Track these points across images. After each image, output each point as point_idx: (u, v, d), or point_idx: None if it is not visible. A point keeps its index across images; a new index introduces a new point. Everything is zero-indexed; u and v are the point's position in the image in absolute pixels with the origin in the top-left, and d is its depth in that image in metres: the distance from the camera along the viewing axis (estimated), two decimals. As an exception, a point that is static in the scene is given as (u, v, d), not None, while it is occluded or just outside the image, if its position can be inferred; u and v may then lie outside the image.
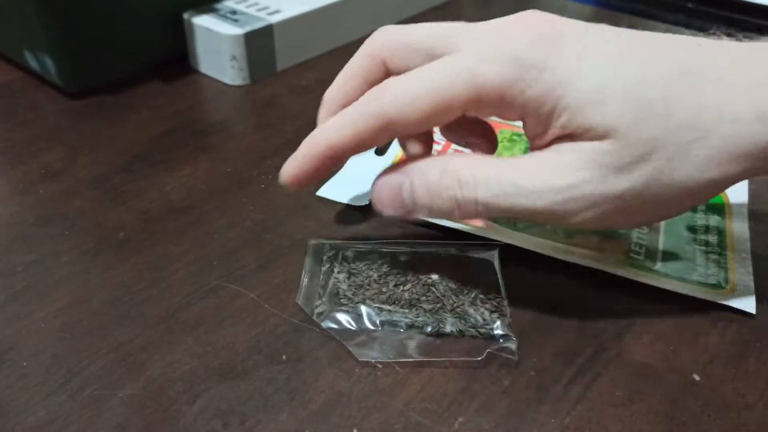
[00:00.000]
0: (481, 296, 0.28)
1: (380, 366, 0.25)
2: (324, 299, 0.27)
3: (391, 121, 0.25)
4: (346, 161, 0.27)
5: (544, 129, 0.25)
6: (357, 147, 0.26)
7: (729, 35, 0.26)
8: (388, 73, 0.27)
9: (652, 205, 0.24)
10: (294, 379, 0.25)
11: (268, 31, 0.44)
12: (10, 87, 0.44)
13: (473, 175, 0.25)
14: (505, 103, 0.24)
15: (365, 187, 0.34)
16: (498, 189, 0.24)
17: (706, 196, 0.25)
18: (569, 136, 0.24)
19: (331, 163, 0.26)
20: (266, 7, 0.46)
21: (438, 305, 0.27)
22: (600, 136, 0.23)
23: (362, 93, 0.26)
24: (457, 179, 0.25)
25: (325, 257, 0.30)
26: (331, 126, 0.26)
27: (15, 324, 0.27)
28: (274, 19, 0.45)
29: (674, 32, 0.26)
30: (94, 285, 0.29)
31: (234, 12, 0.45)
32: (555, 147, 0.25)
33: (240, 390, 0.25)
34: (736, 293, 0.28)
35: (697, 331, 0.27)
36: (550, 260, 0.30)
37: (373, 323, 0.27)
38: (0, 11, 0.43)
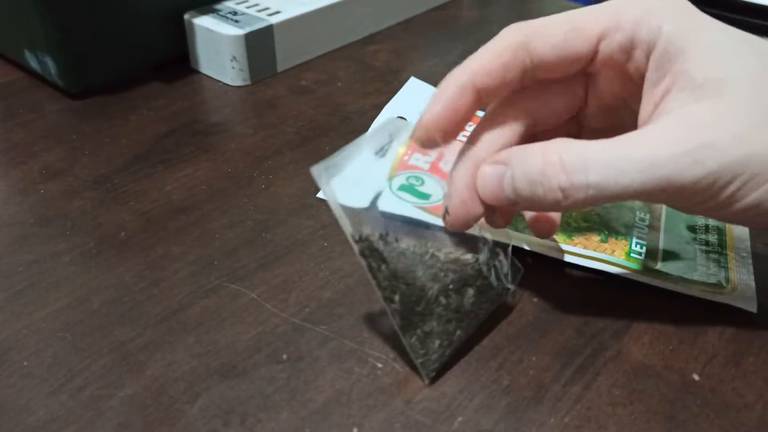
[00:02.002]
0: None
1: (380, 366, 0.25)
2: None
3: (526, 41, 0.24)
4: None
5: (661, 75, 0.23)
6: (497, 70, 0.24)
7: None
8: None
9: None
10: (294, 378, 0.25)
11: (268, 31, 0.44)
12: (10, 87, 0.44)
13: (581, 157, 0.22)
14: (635, 37, 0.23)
15: (365, 188, 0.34)
16: (612, 167, 0.21)
17: None
18: (681, 90, 0.23)
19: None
20: (266, 8, 0.46)
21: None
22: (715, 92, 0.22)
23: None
24: (561, 165, 0.22)
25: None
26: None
27: (15, 324, 0.27)
28: (274, 19, 0.45)
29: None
30: (94, 285, 0.29)
31: (234, 12, 0.45)
32: (669, 111, 0.23)
33: (240, 389, 0.25)
34: (737, 292, 0.28)
35: (696, 331, 0.27)
36: (550, 260, 0.30)
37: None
38: (0, 11, 0.43)
